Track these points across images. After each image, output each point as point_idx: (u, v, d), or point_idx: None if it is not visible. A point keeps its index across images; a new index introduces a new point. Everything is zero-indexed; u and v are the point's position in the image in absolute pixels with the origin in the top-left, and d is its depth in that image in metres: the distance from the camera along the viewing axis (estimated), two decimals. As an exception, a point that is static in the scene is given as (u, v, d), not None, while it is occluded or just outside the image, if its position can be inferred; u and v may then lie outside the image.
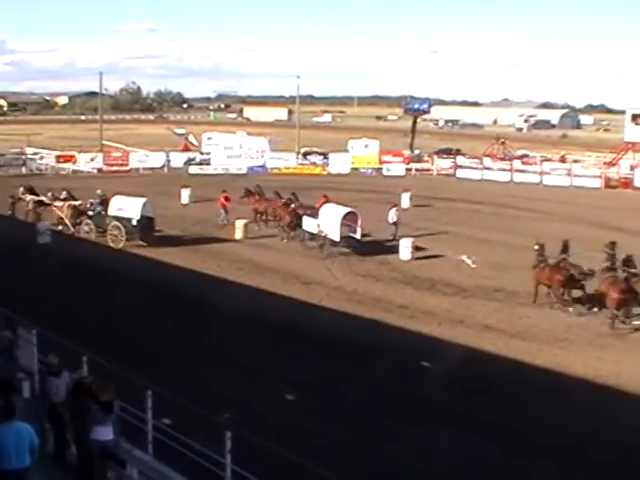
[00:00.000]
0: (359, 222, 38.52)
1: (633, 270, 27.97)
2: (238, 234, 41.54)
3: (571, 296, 29.87)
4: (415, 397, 20.56)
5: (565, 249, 30.38)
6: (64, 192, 43.36)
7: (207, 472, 12.71)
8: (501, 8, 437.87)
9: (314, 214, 40.02)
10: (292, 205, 42.86)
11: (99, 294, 29.16)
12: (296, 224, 41.33)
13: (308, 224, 40.05)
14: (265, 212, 45.08)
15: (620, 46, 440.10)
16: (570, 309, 29.32)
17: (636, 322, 27.19)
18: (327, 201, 41.84)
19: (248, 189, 46.59)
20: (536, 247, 31.22)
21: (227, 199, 45.87)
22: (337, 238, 37.98)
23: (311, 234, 39.79)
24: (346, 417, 19.18)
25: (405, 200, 50.96)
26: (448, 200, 55.85)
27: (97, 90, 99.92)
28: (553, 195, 61.64)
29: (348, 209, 39.15)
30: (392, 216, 41.68)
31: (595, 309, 28.92)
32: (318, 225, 39.06)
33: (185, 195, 52.61)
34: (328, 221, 38.56)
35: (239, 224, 41.92)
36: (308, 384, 21.06)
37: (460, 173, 73.65)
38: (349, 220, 38.39)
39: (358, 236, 38.61)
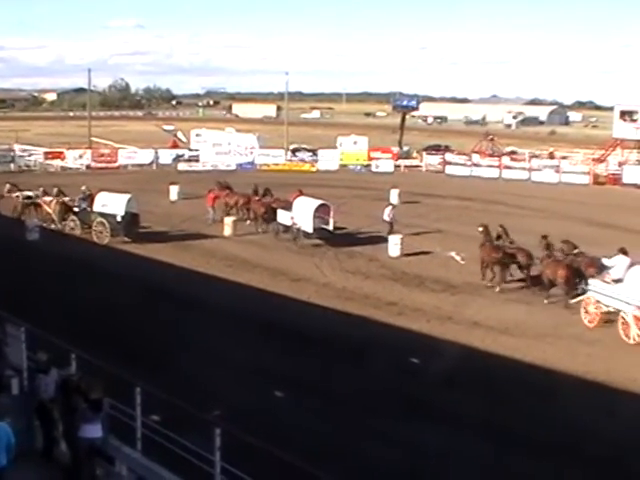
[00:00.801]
0: (331, 214, 39.52)
1: (575, 251, 30.74)
2: (227, 231, 41.52)
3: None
4: (404, 394, 20.58)
5: (505, 233, 33.22)
6: (55, 189, 43.31)
7: (196, 469, 12.69)
8: (490, 5, 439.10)
9: (288, 207, 40.81)
10: (264, 198, 43.73)
11: (88, 291, 29.13)
12: (270, 217, 42.24)
13: (282, 217, 40.85)
14: (235, 206, 45.38)
15: (609, 43, 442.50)
16: (497, 288, 31.69)
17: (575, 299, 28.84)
18: (301, 195, 42.41)
19: (220, 182, 47.05)
20: (480, 229, 33.53)
21: (216, 197, 45.79)
22: (310, 230, 39.11)
23: (285, 226, 40.63)
24: (335, 414, 19.19)
25: (394, 197, 50.92)
26: (437, 197, 55.95)
27: (86, 87, 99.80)
28: (542, 191, 61.68)
29: (320, 201, 40.12)
30: (387, 214, 41.63)
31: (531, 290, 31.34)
32: (292, 217, 39.96)
33: (174, 192, 52.53)
34: (301, 213, 39.60)
35: (228, 221, 41.90)
36: (297, 381, 21.05)
37: (449, 170, 73.67)
38: (322, 212, 39.42)
39: (331, 227, 39.53)
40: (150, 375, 17.09)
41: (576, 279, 29.35)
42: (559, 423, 18.94)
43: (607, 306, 26.85)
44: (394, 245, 37.34)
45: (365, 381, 21.20)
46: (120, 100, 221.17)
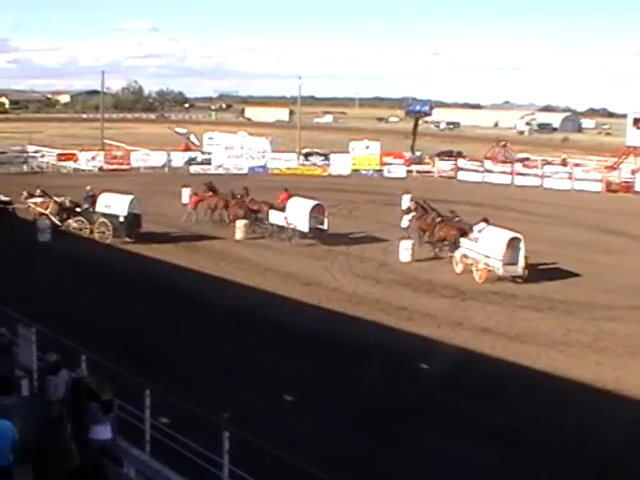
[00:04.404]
0: (326, 214, 40.98)
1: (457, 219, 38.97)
2: (238, 234, 41.57)
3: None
4: (413, 399, 20.56)
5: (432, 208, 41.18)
6: (38, 190, 43.78)
7: (204, 472, 12.70)
8: (503, 11, 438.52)
9: (279, 208, 42.01)
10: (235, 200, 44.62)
11: (99, 292, 29.18)
12: (249, 218, 43.07)
13: (275, 217, 41.76)
14: (216, 207, 45.83)
15: (622, 50, 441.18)
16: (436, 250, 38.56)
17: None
18: (289, 195, 43.33)
19: (207, 184, 47.48)
20: (414, 205, 41.89)
21: (200, 200, 46.41)
22: (306, 229, 40.23)
23: (279, 227, 41.44)
24: (345, 419, 19.18)
25: (405, 202, 50.88)
26: (449, 202, 55.51)
27: (99, 89, 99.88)
28: (554, 198, 61.60)
29: (315, 202, 41.33)
30: (405, 222, 41.50)
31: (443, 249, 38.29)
32: (286, 218, 40.88)
33: (186, 195, 52.43)
34: (296, 214, 40.70)
35: (239, 224, 41.96)
36: (307, 385, 21.06)
37: (461, 175, 73.58)
38: (316, 212, 40.70)
39: (325, 227, 40.85)
40: (159, 377, 17.12)
41: (460, 238, 36.39)
42: (568, 430, 18.90)
43: (470, 258, 34.95)
44: (404, 250, 37.33)
45: (375, 386, 21.15)
46: (133, 102, 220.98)
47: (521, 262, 33.50)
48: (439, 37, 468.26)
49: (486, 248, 33.96)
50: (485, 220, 36.25)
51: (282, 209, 41.65)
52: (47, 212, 41.84)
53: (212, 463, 12.63)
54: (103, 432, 13.63)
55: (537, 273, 34.36)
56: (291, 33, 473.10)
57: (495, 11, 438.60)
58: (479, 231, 35.40)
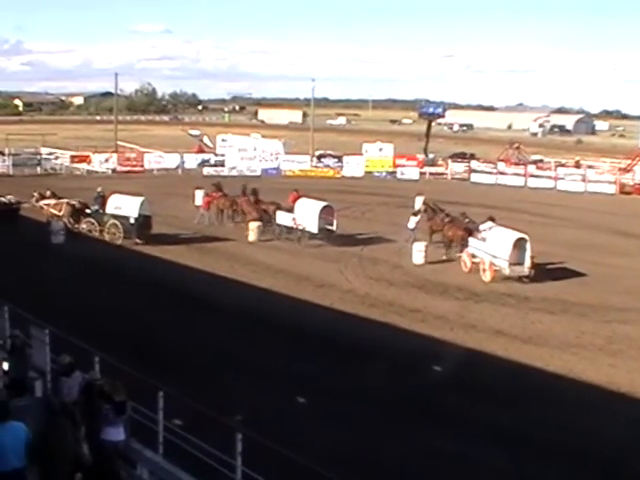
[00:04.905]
0: (335, 215, 41.36)
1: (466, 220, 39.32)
2: (251, 236, 41.60)
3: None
4: (426, 402, 20.53)
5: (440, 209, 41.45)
6: (48, 192, 44.06)
7: (217, 473, 12.71)
8: (517, 13, 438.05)
9: (287, 209, 42.25)
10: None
11: (110, 294, 29.21)
12: (265, 219, 43.24)
13: (283, 218, 41.95)
14: (224, 209, 46.10)
15: (636, 52, 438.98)
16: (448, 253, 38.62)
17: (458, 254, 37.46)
18: (299, 196, 43.46)
19: (215, 184, 47.70)
20: (423, 207, 42.17)
21: (211, 201, 46.64)
22: (315, 230, 40.49)
23: (288, 228, 41.65)
24: (357, 420, 19.15)
25: (419, 204, 50.79)
26: (462, 204, 55.48)
27: (112, 91, 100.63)
28: (567, 201, 61.48)
29: (325, 203, 41.60)
30: (412, 223, 41.58)
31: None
32: (294, 219, 41.13)
33: (199, 196, 52.50)
34: (305, 215, 40.98)
35: (252, 226, 41.97)
36: (320, 386, 21.05)
37: (474, 177, 73.53)
38: (326, 213, 41.03)
39: (334, 228, 41.15)
40: (172, 379, 17.14)
41: (468, 238, 36.82)
42: (581, 432, 18.84)
43: (477, 257, 35.49)
44: (418, 252, 37.28)
45: (387, 388, 21.13)
46: (146, 104, 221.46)
47: (527, 262, 33.95)
48: (452, 39, 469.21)
49: (493, 248, 34.48)
50: (491, 219, 37.05)
51: (290, 210, 41.80)
52: (61, 214, 41.99)
53: (225, 465, 12.64)
54: (116, 433, 13.64)
55: (549, 275, 34.38)
56: (304, 35, 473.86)
57: (508, 13, 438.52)
58: (485, 230, 35.98)
